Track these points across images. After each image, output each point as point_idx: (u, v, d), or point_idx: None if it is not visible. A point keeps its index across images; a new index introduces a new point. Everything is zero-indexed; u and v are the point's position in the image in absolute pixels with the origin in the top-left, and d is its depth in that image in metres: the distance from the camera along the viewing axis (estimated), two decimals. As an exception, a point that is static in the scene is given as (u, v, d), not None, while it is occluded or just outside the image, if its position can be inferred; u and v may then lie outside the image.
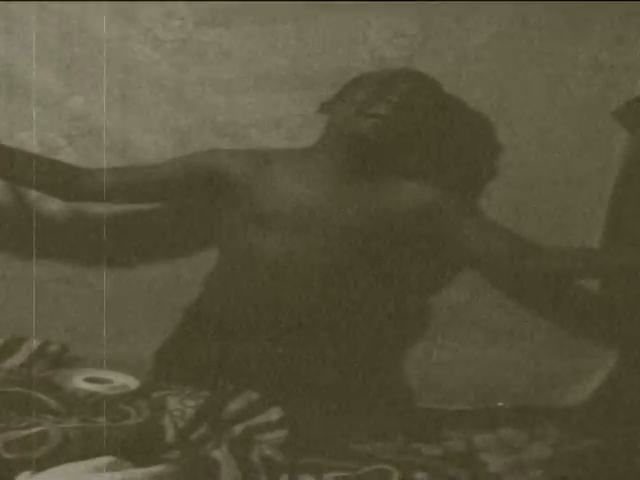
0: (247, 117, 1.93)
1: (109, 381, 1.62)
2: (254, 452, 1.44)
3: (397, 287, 1.92)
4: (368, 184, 1.81)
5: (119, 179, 1.82)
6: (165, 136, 1.93)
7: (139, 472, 1.30)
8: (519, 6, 1.86)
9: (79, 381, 1.60)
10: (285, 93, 1.91)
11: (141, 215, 1.94)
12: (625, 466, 1.54)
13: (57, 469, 1.30)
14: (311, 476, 1.40)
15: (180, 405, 1.55)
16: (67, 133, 1.91)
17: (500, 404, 1.87)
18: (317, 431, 1.56)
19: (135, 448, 1.40)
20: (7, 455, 1.32)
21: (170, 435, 1.47)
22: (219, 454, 1.41)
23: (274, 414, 1.55)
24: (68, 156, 1.89)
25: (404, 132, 1.78)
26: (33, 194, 1.91)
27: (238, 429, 1.51)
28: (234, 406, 1.57)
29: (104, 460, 1.32)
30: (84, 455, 1.33)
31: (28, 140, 1.89)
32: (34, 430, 1.37)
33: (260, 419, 1.54)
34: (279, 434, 1.50)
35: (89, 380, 1.61)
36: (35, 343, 1.77)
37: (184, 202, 1.93)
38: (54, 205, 1.92)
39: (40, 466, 1.30)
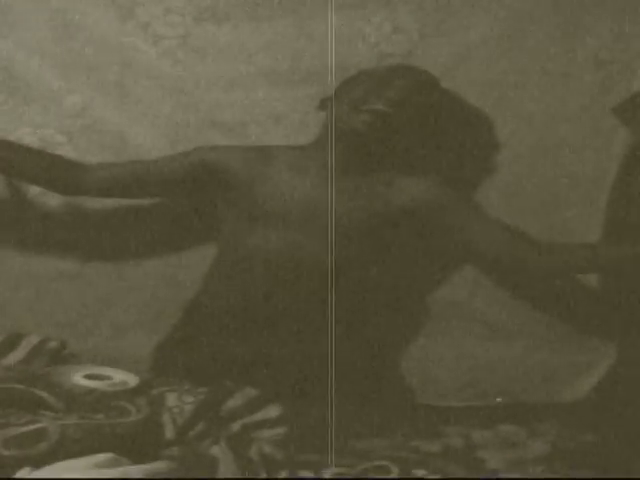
0: (246, 113, 1.92)
1: (108, 378, 1.62)
2: (252, 449, 1.44)
3: (396, 283, 1.92)
4: (367, 181, 1.81)
5: (118, 175, 1.82)
6: (164, 132, 1.92)
7: (138, 468, 1.31)
8: (518, 2, 1.86)
9: (78, 378, 1.59)
10: (285, 89, 1.91)
11: (140, 211, 1.94)
12: (625, 462, 1.54)
13: (56, 466, 1.30)
14: (310, 472, 1.40)
15: (179, 402, 1.55)
16: (66, 129, 1.91)
17: (499, 400, 1.88)
18: (316, 428, 1.56)
19: (134, 444, 1.40)
20: (6, 452, 1.32)
21: (169, 432, 1.47)
22: (218, 450, 1.42)
23: (272, 411, 1.55)
24: (67, 153, 1.88)
25: (402, 128, 1.78)
26: (32, 189, 1.91)
27: (237, 426, 1.52)
28: (233, 403, 1.57)
29: (103, 457, 1.32)
30: (83, 452, 1.34)
31: (27, 137, 1.89)
32: (33, 427, 1.37)
33: (258, 416, 1.54)
34: (278, 431, 1.50)
35: (88, 377, 1.60)
36: (34, 339, 1.77)
37: (183, 198, 1.93)
38: (53, 200, 1.92)
39: (39, 463, 1.31)
